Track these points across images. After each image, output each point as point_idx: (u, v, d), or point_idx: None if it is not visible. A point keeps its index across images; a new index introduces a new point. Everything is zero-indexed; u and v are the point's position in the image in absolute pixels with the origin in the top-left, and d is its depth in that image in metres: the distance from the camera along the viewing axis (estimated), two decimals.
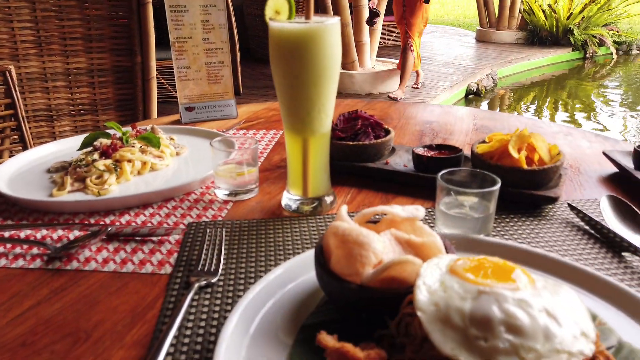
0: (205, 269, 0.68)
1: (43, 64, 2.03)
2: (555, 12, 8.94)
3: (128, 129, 1.12)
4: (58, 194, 0.91)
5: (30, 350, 0.55)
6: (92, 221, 0.84)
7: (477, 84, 6.45)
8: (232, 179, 0.92)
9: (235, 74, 4.92)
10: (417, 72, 5.55)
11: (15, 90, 1.64)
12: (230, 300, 0.63)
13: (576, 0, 9.05)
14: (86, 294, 0.65)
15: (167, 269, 0.70)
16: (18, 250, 0.75)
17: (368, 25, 5.27)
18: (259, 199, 0.93)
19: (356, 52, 5.52)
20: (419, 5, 4.94)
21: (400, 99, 5.04)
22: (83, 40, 2.07)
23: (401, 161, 1.02)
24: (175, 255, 0.73)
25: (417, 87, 5.69)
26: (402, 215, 0.59)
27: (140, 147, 1.04)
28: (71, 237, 0.79)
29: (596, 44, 8.89)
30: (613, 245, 0.74)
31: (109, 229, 0.78)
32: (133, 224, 0.84)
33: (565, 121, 5.80)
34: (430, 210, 0.86)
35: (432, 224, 0.81)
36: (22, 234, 0.80)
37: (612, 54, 8.80)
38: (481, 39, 9.65)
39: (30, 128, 2.01)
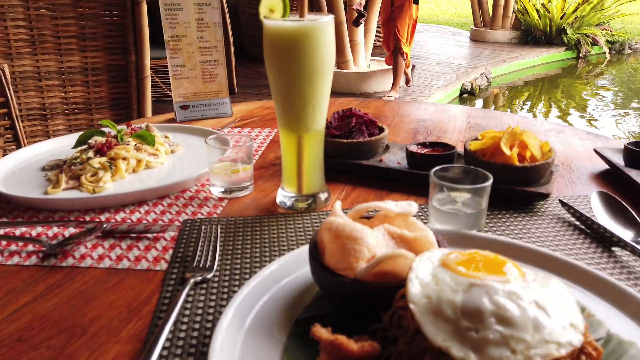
0: (201, 265, 0.69)
1: (37, 62, 2.03)
2: (548, 12, 8.99)
3: (123, 127, 1.12)
4: (53, 192, 0.91)
5: (27, 345, 0.55)
6: (87, 218, 0.85)
7: (471, 83, 6.48)
8: (227, 177, 0.92)
9: (230, 73, 4.91)
10: (406, 73, 5.46)
11: (9, 89, 1.64)
12: (225, 296, 0.63)
13: (569, 0, 9.10)
14: (82, 290, 0.65)
15: (163, 265, 0.70)
16: (13, 247, 0.75)
17: (354, 26, 5.27)
18: (254, 196, 0.93)
19: (350, 51, 5.53)
20: (408, 6, 4.89)
21: (395, 98, 5.05)
22: (77, 39, 2.06)
23: (395, 159, 1.03)
24: (171, 251, 0.74)
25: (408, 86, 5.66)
26: (395, 210, 0.60)
27: (135, 145, 1.04)
28: (66, 234, 0.79)
29: (589, 44, 8.95)
30: (603, 240, 0.75)
31: (104, 226, 0.79)
32: (128, 221, 0.84)
33: (558, 118, 5.84)
34: (423, 206, 0.87)
35: (425, 220, 0.82)
36: (17, 231, 0.80)
37: (605, 53, 8.86)
38: (475, 39, 9.69)
39: (24, 127, 2.01)
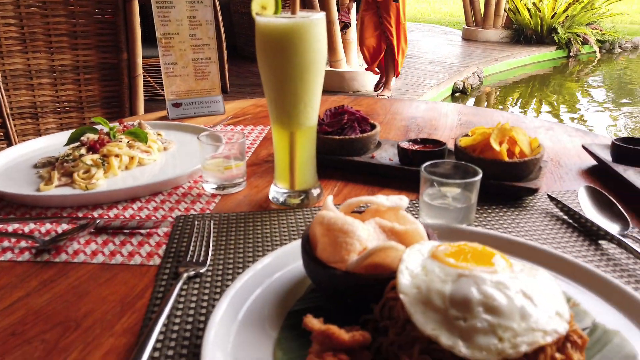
0: (194, 259, 0.69)
1: (27, 60, 2.02)
2: (539, 11, 9.05)
3: (115, 124, 1.12)
4: (45, 189, 0.91)
5: (21, 339, 0.56)
6: (80, 215, 0.85)
7: (463, 82, 6.51)
8: (220, 173, 0.93)
9: (223, 72, 4.91)
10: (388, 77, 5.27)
11: (0, 87, 1.63)
12: (218, 290, 0.64)
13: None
14: (75, 285, 0.65)
15: (156, 260, 0.71)
16: (6, 243, 0.76)
17: (342, 32, 5.28)
18: (247, 192, 0.94)
19: (343, 50, 5.54)
20: (391, 5, 4.79)
21: (388, 97, 5.07)
22: (68, 37, 2.05)
23: (387, 155, 1.03)
24: (164, 247, 0.74)
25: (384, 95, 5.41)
26: (386, 204, 0.61)
27: (128, 142, 1.04)
28: (59, 230, 0.80)
29: (580, 43, 9.03)
30: (590, 233, 0.76)
31: (97, 222, 0.79)
32: (121, 217, 0.84)
33: (549, 115, 5.89)
34: (414, 202, 0.88)
35: (416, 215, 0.83)
36: (10, 227, 0.80)
37: (595, 52, 8.94)
38: (467, 38, 9.74)
39: (14, 125, 2.00)
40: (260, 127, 1.34)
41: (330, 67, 5.57)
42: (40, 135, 2.04)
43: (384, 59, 5.10)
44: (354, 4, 5.42)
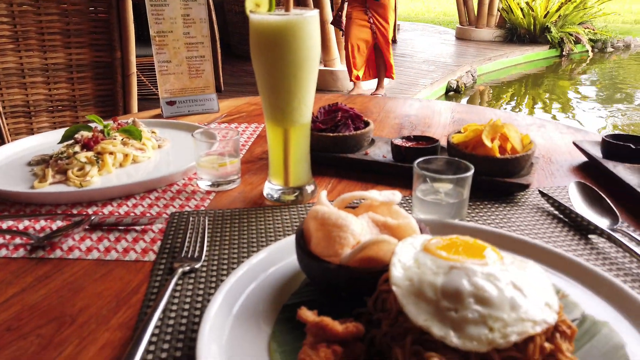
0: (189, 255, 0.70)
1: (20, 59, 2.01)
2: (532, 11, 9.11)
3: (109, 122, 1.12)
4: (39, 186, 0.91)
5: (16, 334, 0.56)
6: (75, 212, 0.85)
7: (457, 81, 6.54)
8: (215, 170, 0.93)
9: (217, 71, 4.89)
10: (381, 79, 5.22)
11: None
12: (213, 285, 0.64)
13: None
14: (71, 280, 0.66)
15: (151, 256, 0.71)
16: (0, 240, 0.76)
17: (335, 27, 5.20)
18: (241, 189, 0.94)
19: (337, 49, 5.55)
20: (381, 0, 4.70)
21: (383, 95, 5.07)
22: (61, 35, 2.05)
23: (380, 152, 1.04)
24: (159, 243, 0.75)
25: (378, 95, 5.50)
26: (379, 199, 0.62)
27: (122, 139, 1.05)
28: (54, 227, 0.80)
29: (572, 42, 9.09)
30: (580, 228, 0.78)
31: (92, 218, 0.79)
32: (116, 214, 0.84)
33: (542, 112, 5.93)
34: (407, 198, 0.89)
35: (409, 211, 0.84)
36: (4, 224, 0.80)
37: (587, 51, 9.00)
38: (461, 37, 9.78)
39: (7, 124, 1.99)
40: (255, 124, 1.35)
41: (325, 66, 5.58)
42: (33, 134, 2.04)
43: (375, 58, 5.06)
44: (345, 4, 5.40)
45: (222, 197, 0.91)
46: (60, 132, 1.10)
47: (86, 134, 1.05)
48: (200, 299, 0.62)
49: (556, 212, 0.83)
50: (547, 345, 0.44)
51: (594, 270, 0.61)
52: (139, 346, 0.51)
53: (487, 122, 0.93)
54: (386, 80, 5.25)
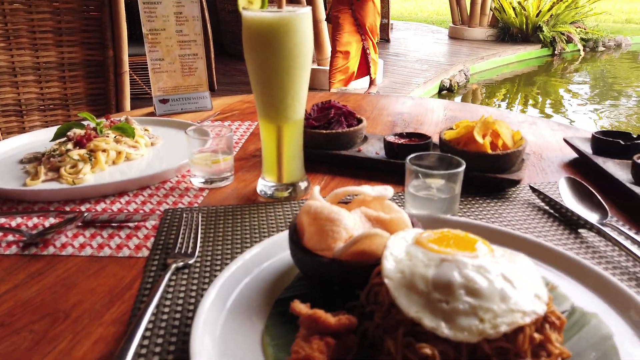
0: (182, 251, 0.70)
1: (12, 57, 1.99)
2: (524, 10, 9.16)
3: (102, 120, 1.12)
4: (32, 184, 0.91)
5: (9, 330, 0.56)
6: (68, 209, 0.85)
7: (450, 80, 6.56)
8: (208, 167, 0.93)
9: (210, 69, 4.87)
10: (371, 78, 5.14)
11: None
12: (207, 280, 0.64)
13: None
14: (64, 277, 0.66)
15: (145, 253, 0.71)
16: None
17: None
18: (235, 186, 0.95)
19: (330, 48, 5.55)
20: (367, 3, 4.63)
21: (376, 92, 5.06)
22: (53, 34, 2.03)
23: (373, 149, 1.05)
24: (152, 239, 0.75)
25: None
26: (372, 194, 0.62)
27: (115, 137, 1.04)
28: (46, 224, 0.80)
29: (564, 41, 9.15)
30: (570, 222, 0.79)
31: (85, 215, 0.79)
32: (109, 211, 0.84)
33: (534, 113, 5.97)
34: (400, 194, 0.89)
35: (402, 207, 0.84)
36: None
37: (579, 50, 9.07)
38: (453, 36, 9.82)
39: None
40: (248, 122, 1.35)
41: (318, 65, 5.58)
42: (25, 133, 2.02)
43: (363, 58, 4.99)
44: None
45: (215, 194, 0.91)
46: (52, 130, 1.09)
47: (79, 131, 1.04)
48: (193, 294, 0.62)
49: (547, 207, 0.84)
50: (536, 335, 0.45)
51: (583, 264, 0.62)
52: (133, 340, 0.51)
53: (479, 119, 0.94)
54: (378, 79, 5.25)
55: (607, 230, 0.73)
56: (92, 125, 1.07)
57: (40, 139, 1.15)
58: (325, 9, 5.37)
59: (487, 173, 0.89)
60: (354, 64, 4.85)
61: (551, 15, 9.13)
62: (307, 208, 0.59)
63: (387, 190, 0.63)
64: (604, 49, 9.88)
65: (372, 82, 5.17)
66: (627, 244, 0.70)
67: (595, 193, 0.82)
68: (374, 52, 4.88)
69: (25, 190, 0.88)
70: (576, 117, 5.76)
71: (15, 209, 0.85)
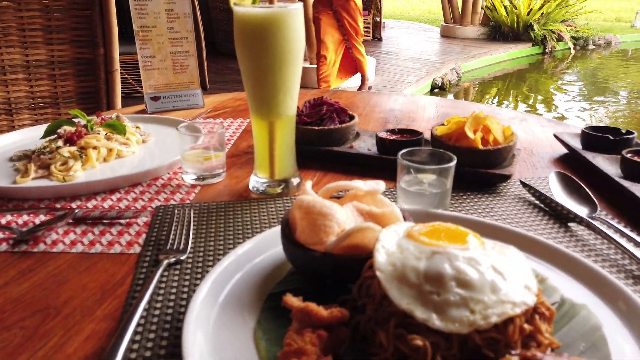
0: (174, 247, 0.70)
1: (1, 55, 1.97)
2: (515, 8, 9.21)
3: (93, 117, 1.11)
4: (22, 181, 0.90)
5: (0, 327, 0.55)
6: (58, 206, 0.84)
7: (442, 79, 6.59)
8: (200, 164, 0.93)
9: (202, 67, 4.84)
10: (363, 75, 5.08)
11: None
12: (199, 276, 0.64)
13: None
14: (55, 273, 0.65)
15: (136, 249, 0.71)
16: None
17: None
18: (227, 182, 0.94)
19: None
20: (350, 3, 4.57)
21: (369, 88, 5.04)
22: (43, 32, 2.02)
23: (365, 145, 1.05)
24: (144, 236, 0.74)
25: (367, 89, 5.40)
26: (364, 189, 0.63)
27: (106, 134, 1.04)
28: (37, 221, 0.79)
29: (555, 39, 9.21)
30: (560, 216, 0.79)
31: (76, 212, 0.79)
32: (100, 208, 0.84)
33: (525, 112, 6.01)
34: (392, 189, 0.89)
35: (394, 202, 0.85)
36: None
37: (570, 49, 9.14)
38: (445, 35, 9.85)
39: None
40: (240, 119, 1.34)
41: (310, 63, 5.57)
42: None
43: (346, 58, 4.94)
44: None
45: (207, 191, 0.91)
46: (42, 128, 1.09)
47: (69, 128, 1.04)
48: (186, 289, 0.62)
49: (537, 202, 0.85)
50: (526, 326, 0.46)
51: (573, 257, 0.63)
52: (125, 336, 0.51)
53: (470, 115, 0.94)
54: (370, 77, 5.24)
55: (596, 223, 0.74)
56: (83, 122, 1.06)
57: (30, 136, 1.14)
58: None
59: (478, 168, 0.90)
60: (335, 69, 4.82)
61: (542, 14, 9.19)
62: (299, 202, 0.59)
63: (379, 184, 0.63)
64: (594, 47, 9.96)
65: (363, 80, 5.15)
66: (616, 237, 0.70)
67: (585, 187, 0.83)
68: (360, 51, 4.84)
69: (16, 187, 0.88)
70: (567, 114, 5.80)
71: (6, 207, 0.84)
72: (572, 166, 1.01)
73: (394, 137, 1.01)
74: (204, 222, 0.78)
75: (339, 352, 0.47)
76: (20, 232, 0.73)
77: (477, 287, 0.46)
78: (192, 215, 0.79)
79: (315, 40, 5.34)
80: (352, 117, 1.09)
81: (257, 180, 0.90)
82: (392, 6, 18.18)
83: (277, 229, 0.67)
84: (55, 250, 0.71)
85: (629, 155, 0.89)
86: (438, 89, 6.51)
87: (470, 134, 0.90)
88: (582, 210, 0.79)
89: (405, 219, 0.60)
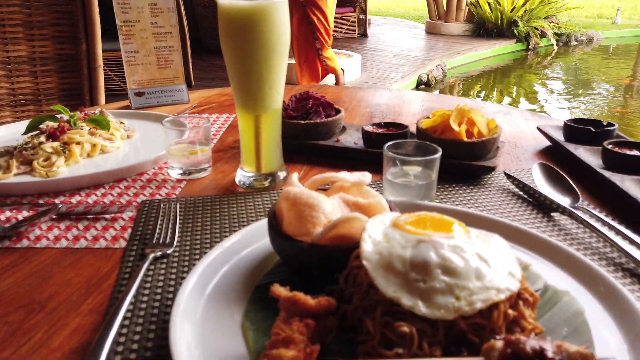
0: (160, 241, 0.69)
1: None
2: (499, 5, 9.28)
3: (76, 112, 1.10)
4: (3, 177, 0.89)
5: None
6: (42, 202, 0.83)
7: (428, 75, 6.62)
8: (185, 158, 0.93)
9: (187, 63, 4.78)
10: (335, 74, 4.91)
11: None
12: (186, 269, 0.64)
13: None
14: (39, 269, 0.65)
15: (122, 244, 0.71)
16: None
17: None
18: (213, 177, 0.94)
19: None
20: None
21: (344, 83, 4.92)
22: (23, 27, 1.98)
23: (351, 139, 1.05)
24: (129, 230, 0.74)
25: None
26: (350, 180, 0.63)
27: (89, 129, 1.03)
28: (20, 217, 0.78)
29: (538, 36, 9.31)
30: (543, 206, 0.80)
31: (60, 207, 0.78)
32: (84, 203, 0.83)
33: (510, 105, 6.07)
34: (378, 182, 0.90)
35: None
36: None
37: (552, 45, 9.24)
38: (430, 31, 9.90)
39: None
40: (226, 115, 1.34)
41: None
42: None
43: (313, 60, 4.78)
44: None
45: (193, 185, 0.90)
46: (24, 124, 1.07)
47: (52, 124, 1.02)
48: (172, 282, 0.61)
49: (521, 193, 0.86)
50: (510, 312, 0.46)
51: (556, 245, 0.64)
52: (111, 329, 0.51)
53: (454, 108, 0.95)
54: (355, 74, 5.18)
55: (578, 213, 0.75)
56: (66, 117, 1.05)
57: (12, 132, 1.12)
58: None
59: (463, 160, 0.91)
60: (307, 74, 4.75)
61: (525, 11, 9.28)
62: (286, 194, 0.59)
63: (365, 176, 0.63)
64: (576, 43, 10.09)
65: (337, 78, 4.97)
66: (598, 225, 0.72)
67: (567, 178, 0.85)
68: (328, 51, 4.67)
69: None
70: (549, 108, 5.88)
71: None
72: (555, 158, 1.03)
73: (380, 130, 1.02)
74: (190, 216, 0.78)
75: (327, 341, 0.47)
76: (3, 228, 0.72)
77: (462, 274, 0.46)
78: (178, 209, 0.79)
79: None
80: (338, 111, 1.09)
81: (243, 174, 0.90)
82: (377, 3, 18.22)
83: (264, 222, 0.67)
84: (39, 246, 0.70)
85: (610, 147, 0.91)
86: (423, 86, 6.55)
87: (455, 127, 0.91)
88: (564, 201, 0.80)
89: (391, 209, 0.61)
